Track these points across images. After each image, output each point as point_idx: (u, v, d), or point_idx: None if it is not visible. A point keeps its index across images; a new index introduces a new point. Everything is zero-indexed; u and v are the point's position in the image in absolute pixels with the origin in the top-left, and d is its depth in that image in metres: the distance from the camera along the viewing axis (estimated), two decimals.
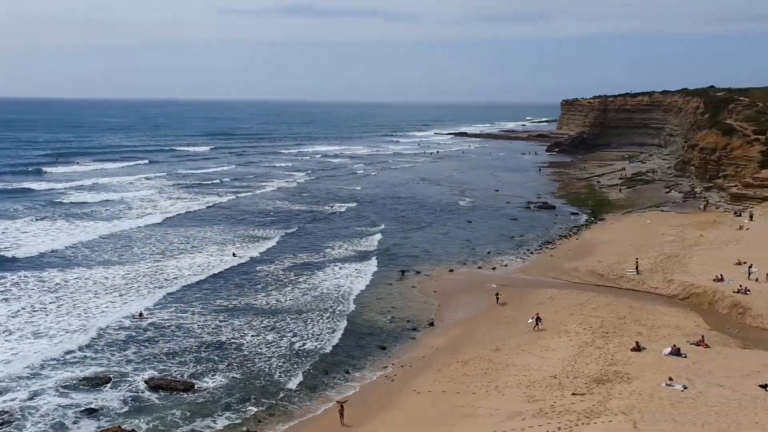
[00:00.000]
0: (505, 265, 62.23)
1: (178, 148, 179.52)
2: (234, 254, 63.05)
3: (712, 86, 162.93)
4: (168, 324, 44.44)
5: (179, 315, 46.33)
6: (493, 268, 61.10)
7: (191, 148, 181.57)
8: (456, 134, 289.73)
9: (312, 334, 43.53)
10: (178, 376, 36.33)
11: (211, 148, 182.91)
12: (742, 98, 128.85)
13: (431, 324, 45.97)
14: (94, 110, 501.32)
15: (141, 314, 45.33)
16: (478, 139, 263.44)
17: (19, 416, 31.38)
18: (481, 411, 31.22)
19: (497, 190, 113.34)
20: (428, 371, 37.28)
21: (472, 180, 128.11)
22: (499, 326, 44.83)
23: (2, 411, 31.64)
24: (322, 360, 39.49)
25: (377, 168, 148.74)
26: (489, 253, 66.87)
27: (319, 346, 41.50)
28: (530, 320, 43.97)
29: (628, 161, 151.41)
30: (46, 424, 30.85)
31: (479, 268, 61.39)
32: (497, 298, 50.47)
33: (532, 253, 67.11)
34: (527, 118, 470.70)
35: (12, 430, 30.32)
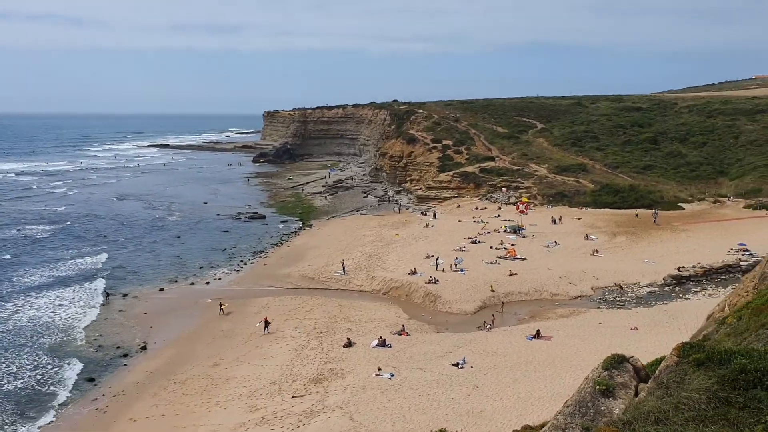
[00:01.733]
0: (219, 279, 61.69)
1: None
2: None
3: (395, 100, 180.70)
4: None
5: None
6: (207, 283, 60.17)
7: None
8: (158, 146, 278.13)
9: (6, 374, 38.53)
10: None
11: None
12: (420, 111, 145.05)
13: (143, 348, 43.69)
14: None
15: None
16: (182, 151, 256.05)
17: None
18: (203, 429, 30.68)
19: (206, 203, 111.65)
20: (144, 397, 35.46)
21: (180, 193, 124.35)
22: (215, 341, 44.33)
23: None
24: (18, 399, 35.25)
25: (74, 186, 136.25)
26: (201, 267, 65.67)
27: (16, 386, 36.93)
28: (258, 324, 44.76)
29: (330, 170, 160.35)
30: None
31: (192, 284, 59.94)
32: (221, 309, 50.03)
33: (245, 263, 67.49)
34: (231, 129, 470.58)
35: None
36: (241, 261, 68.50)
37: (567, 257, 62.50)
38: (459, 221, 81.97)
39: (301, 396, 33.09)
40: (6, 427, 32.65)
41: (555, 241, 68.22)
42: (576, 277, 55.99)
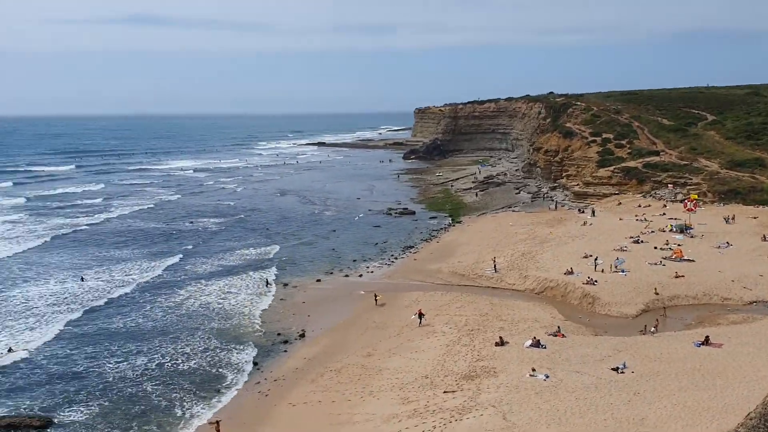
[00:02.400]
0: (371, 272, 63.08)
1: (32, 168, 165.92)
2: (82, 278, 59.31)
3: (551, 92, 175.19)
4: (37, 359, 40.92)
5: (53, 347, 42.80)
6: (360, 275, 61.75)
7: (47, 168, 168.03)
8: (315, 144, 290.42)
9: (182, 354, 41.87)
10: (30, 412, 33.48)
11: (73, 167, 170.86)
12: (578, 103, 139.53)
13: (302, 335, 45.62)
14: None
15: (11, 350, 41.46)
16: (337, 148, 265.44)
17: None
18: (358, 417, 31.40)
19: (359, 199, 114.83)
20: (302, 383, 36.98)
21: (334, 189, 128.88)
22: (368, 332, 45.32)
23: None
24: (192, 379, 38.08)
25: (241, 182, 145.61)
26: (355, 260, 67.52)
27: (190, 366, 39.97)
28: (413, 317, 45.42)
29: (480, 165, 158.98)
30: None
31: (346, 276, 61.80)
32: (376, 300, 51.41)
33: (396, 258, 68.54)
34: (383, 126, 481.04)
35: None
36: (392, 255, 69.61)
37: (741, 259, 57.38)
38: (620, 219, 77.79)
39: (453, 391, 32.91)
40: (185, 403, 35.31)
41: (727, 242, 62.89)
42: (751, 281, 51.25)
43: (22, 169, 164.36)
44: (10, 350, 41.66)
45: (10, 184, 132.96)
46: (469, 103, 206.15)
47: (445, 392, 32.97)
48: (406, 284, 58.03)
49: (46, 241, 76.01)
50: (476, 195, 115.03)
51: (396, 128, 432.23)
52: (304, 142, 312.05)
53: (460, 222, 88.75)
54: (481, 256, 64.86)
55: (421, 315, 45.55)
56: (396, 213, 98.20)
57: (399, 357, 39.37)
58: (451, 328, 43.88)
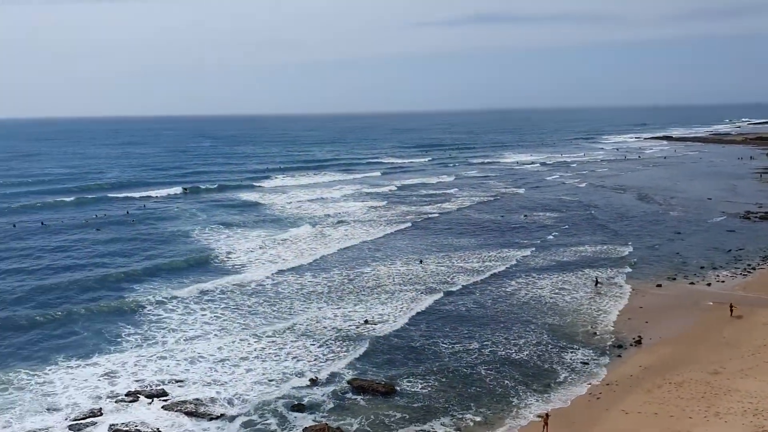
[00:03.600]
0: (722, 281, 56.87)
1: (395, 161, 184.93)
2: (421, 261, 64.50)
3: None
4: (383, 331, 45.39)
5: (397, 322, 47.15)
6: (708, 284, 56.10)
7: (408, 160, 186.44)
8: (661, 138, 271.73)
9: (513, 345, 42.95)
10: (377, 378, 37.47)
11: (429, 160, 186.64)
12: None
13: (638, 341, 43.16)
14: (296, 124, 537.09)
15: (366, 322, 47.12)
16: (686, 143, 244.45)
17: (228, 405, 34.14)
18: None
19: (709, 199, 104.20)
20: (637, 391, 35.04)
21: (680, 188, 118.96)
22: (717, 347, 40.97)
23: (215, 398, 34.66)
24: (523, 371, 38.81)
25: (576, 177, 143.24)
26: (702, 267, 61.55)
27: (522, 357, 40.80)
28: None
29: None
30: (255, 415, 33.24)
31: (691, 283, 56.66)
32: (731, 311, 46.86)
33: (754, 268, 60.67)
34: (744, 119, 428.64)
35: (224, 416, 33.11)
36: (749, 265, 61.80)
37: None
38: None
39: None
40: (518, 392, 36.05)
41: None
42: None
43: (385, 161, 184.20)
44: (366, 322, 47.08)
45: (378, 173, 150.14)
46: None
47: None
48: (765, 299, 50.99)
49: (405, 227, 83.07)
50: None
51: (758, 121, 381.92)
52: (647, 135, 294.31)
53: None
54: None
55: None
56: (756, 217, 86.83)
57: (754, 379, 34.86)
58: None
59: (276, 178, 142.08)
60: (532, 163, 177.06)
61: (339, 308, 50.23)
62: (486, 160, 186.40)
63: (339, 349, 42.07)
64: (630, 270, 61.40)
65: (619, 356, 41.01)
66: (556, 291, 55.02)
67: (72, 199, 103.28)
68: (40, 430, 31.49)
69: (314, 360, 40.28)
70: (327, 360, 40.24)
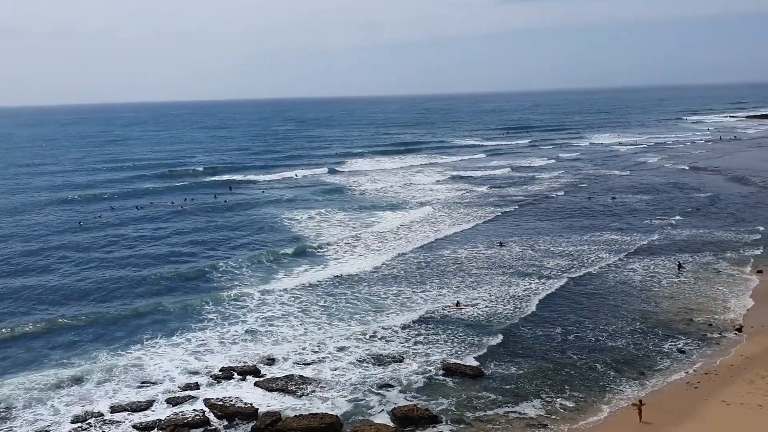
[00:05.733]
0: None
1: (484, 143, 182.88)
2: (500, 244, 63.72)
3: None
4: (471, 315, 45.15)
5: (487, 306, 46.72)
6: None
7: (495, 142, 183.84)
8: (760, 117, 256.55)
9: (603, 330, 41.83)
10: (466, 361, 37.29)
11: (529, 142, 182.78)
12: None
13: (739, 329, 41.15)
14: (377, 107, 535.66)
15: (458, 304, 47.10)
16: None
17: (319, 384, 34.81)
18: None
19: None
20: (738, 381, 33.45)
21: None
22: None
23: (314, 379, 35.42)
24: (616, 357, 37.77)
25: (665, 157, 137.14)
26: None
27: (615, 344, 39.65)
28: None
29: None
30: (346, 394, 33.79)
31: None
32: None
33: None
34: None
35: (321, 393, 33.86)
36: None
37: None
38: None
39: None
40: (610, 379, 35.14)
41: None
42: None
43: (472, 143, 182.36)
44: (457, 304, 46.76)
45: (465, 157, 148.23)
46: None
47: None
48: None
49: (494, 214, 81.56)
50: None
51: None
52: (742, 115, 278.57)
53: None
54: None
55: None
56: None
57: None
58: None
59: (361, 160, 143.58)
60: (621, 144, 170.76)
61: (424, 291, 50.21)
62: (573, 142, 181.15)
63: (427, 332, 42.12)
64: (729, 254, 58.49)
65: (718, 344, 39.26)
66: (648, 274, 53.23)
67: (161, 185, 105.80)
68: (142, 401, 33.13)
69: (404, 341, 40.50)
70: (416, 343, 40.34)
